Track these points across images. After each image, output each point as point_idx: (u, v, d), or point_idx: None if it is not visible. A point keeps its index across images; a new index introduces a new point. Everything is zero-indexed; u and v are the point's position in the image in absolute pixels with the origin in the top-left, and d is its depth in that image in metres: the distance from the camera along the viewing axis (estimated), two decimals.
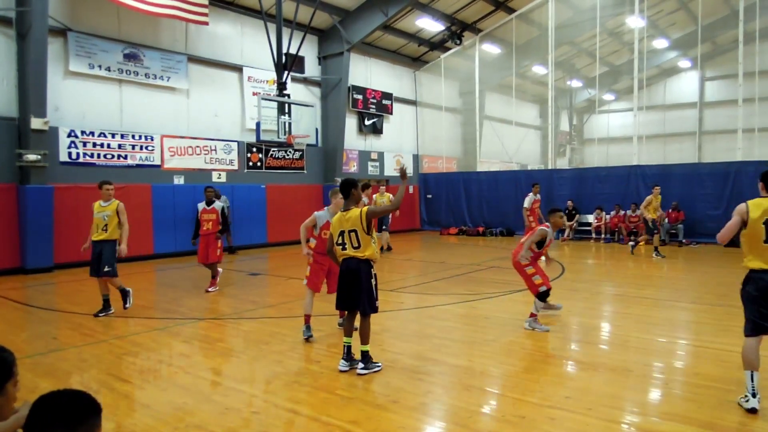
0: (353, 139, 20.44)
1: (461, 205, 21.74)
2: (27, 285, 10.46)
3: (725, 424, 3.94)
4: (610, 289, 9.82)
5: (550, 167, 21.31)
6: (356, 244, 5.12)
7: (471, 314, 7.87)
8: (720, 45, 24.35)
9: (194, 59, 15.32)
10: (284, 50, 14.30)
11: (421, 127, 23.61)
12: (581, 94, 30.86)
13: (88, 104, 13.21)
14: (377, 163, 21.52)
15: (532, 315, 6.78)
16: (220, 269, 9.88)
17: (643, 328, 6.78)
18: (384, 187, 16.39)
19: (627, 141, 19.65)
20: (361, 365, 5.09)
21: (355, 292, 5.14)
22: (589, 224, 18.04)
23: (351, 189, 5.29)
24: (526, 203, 13.28)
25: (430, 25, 20.53)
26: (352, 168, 20.31)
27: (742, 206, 4.22)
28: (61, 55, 12.70)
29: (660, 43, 24.45)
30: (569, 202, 18.19)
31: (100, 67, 13.26)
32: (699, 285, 10.29)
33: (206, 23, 14.55)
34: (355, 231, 5.11)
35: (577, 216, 18.11)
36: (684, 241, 16.24)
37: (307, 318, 6.38)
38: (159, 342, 6.54)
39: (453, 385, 4.93)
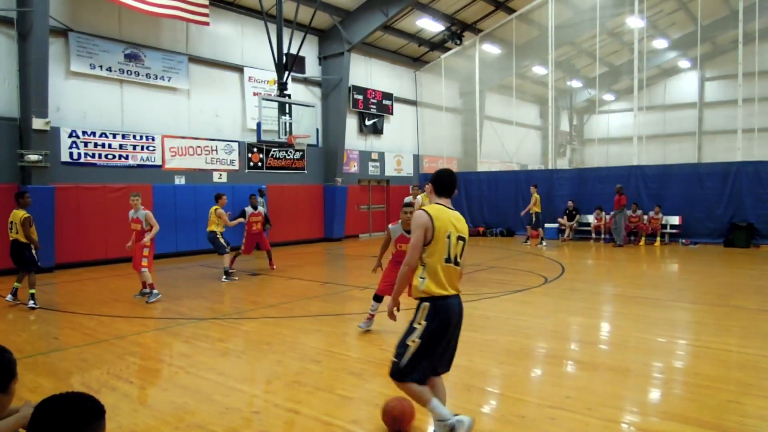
0: (354, 140, 20.45)
1: (461, 206, 21.70)
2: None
3: (725, 424, 3.95)
4: (610, 289, 9.83)
5: (550, 167, 21.31)
6: (17, 231, 8.23)
7: (471, 314, 7.82)
8: (720, 45, 24.35)
9: (195, 59, 15.34)
10: (285, 50, 14.32)
11: (422, 127, 23.62)
12: (581, 95, 30.85)
13: (89, 104, 13.23)
14: (378, 163, 21.52)
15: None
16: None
17: (643, 328, 6.78)
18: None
19: (627, 141, 19.65)
20: (31, 303, 8.02)
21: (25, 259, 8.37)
22: (589, 224, 18.04)
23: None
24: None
25: (430, 26, 20.54)
26: (353, 168, 20.33)
27: None
28: (62, 55, 12.72)
29: (660, 44, 24.44)
30: (569, 203, 18.20)
31: (101, 67, 13.28)
32: (699, 285, 10.30)
33: (207, 23, 14.57)
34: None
35: (578, 216, 18.12)
36: (684, 241, 16.27)
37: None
38: (160, 342, 6.55)
39: (453, 385, 4.93)
